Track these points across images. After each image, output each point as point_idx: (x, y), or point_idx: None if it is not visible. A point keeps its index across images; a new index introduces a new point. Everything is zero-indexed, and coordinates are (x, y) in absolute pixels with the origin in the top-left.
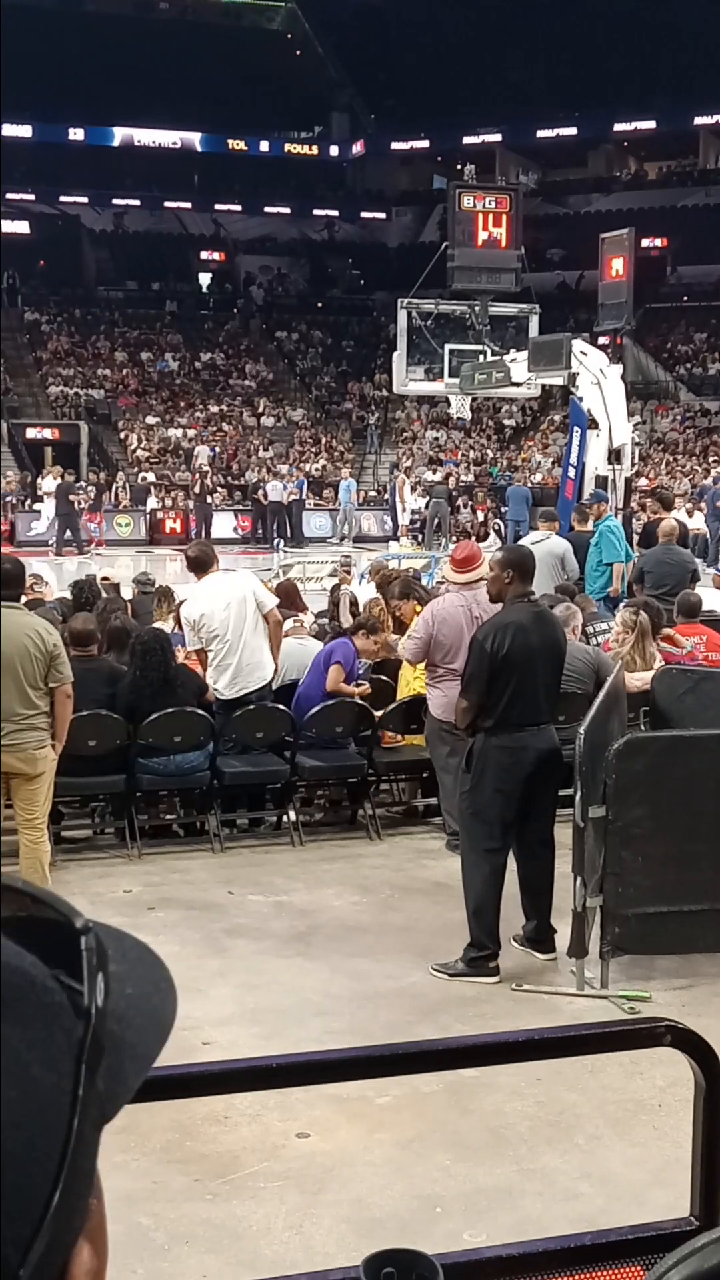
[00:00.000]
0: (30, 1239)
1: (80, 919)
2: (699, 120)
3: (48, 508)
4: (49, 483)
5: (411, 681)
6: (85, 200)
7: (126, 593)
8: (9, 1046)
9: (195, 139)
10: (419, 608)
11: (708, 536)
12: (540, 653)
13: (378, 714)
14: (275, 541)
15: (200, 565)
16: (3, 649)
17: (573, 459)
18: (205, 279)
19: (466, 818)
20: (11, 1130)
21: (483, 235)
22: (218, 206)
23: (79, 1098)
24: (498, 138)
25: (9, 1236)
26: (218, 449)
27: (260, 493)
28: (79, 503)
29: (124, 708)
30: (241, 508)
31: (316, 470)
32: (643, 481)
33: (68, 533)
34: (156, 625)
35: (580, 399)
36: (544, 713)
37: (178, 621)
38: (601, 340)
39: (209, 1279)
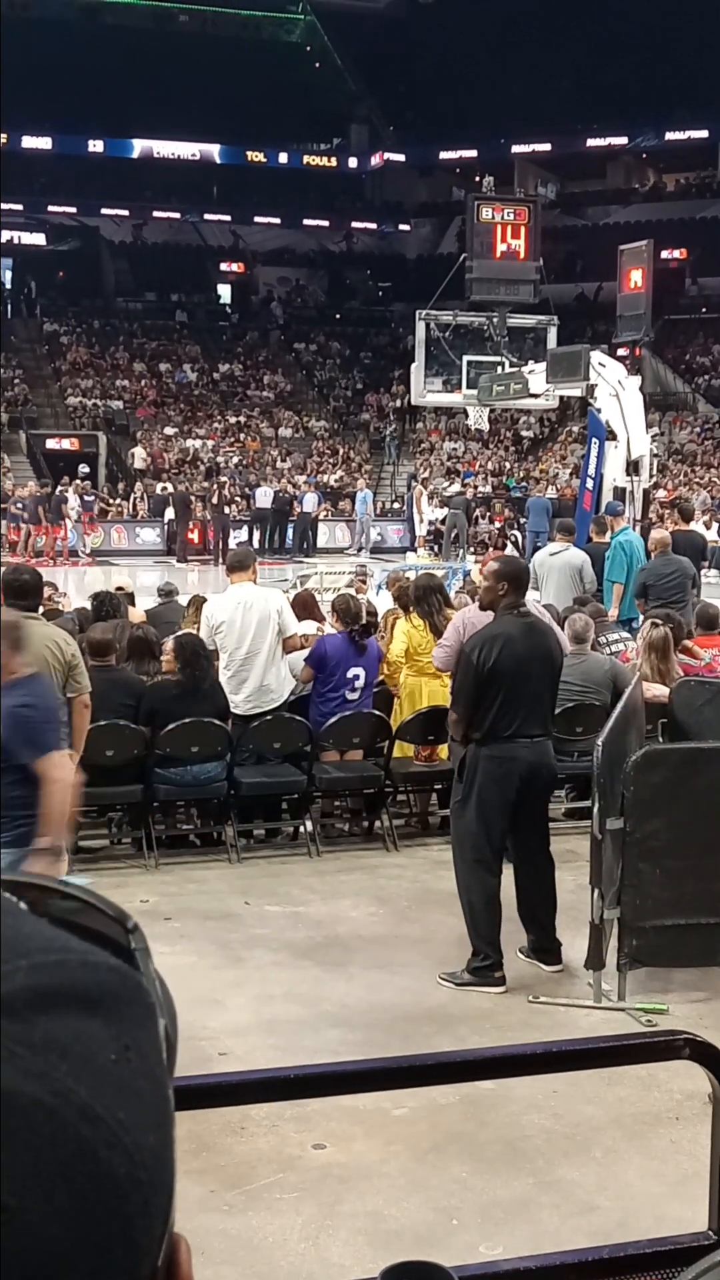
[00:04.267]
0: (162, 1234)
1: (129, 918)
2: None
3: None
4: (71, 495)
5: (408, 681)
6: (105, 212)
7: (146, 603)
8: (141, 1049)
9: (214, 151)
10: (410, 621)
11: None
12: (531, 665)
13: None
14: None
15: (234, 568)
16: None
17: (591, 470)
18: (224, 290)
19: (459, 827)
20: (157, 1131)
21: (501, 247)
22: (236, 218)
23: (171, 1093)
24: (516, 149)
25: (158, 1234)
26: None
27: (267, 502)
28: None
29: (148, 709)
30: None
31: (335, 481)
32: (661, 493)
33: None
34: (188, 631)
35: (598, 410)
36: (537, 725)
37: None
38: (620, 352)
39: None
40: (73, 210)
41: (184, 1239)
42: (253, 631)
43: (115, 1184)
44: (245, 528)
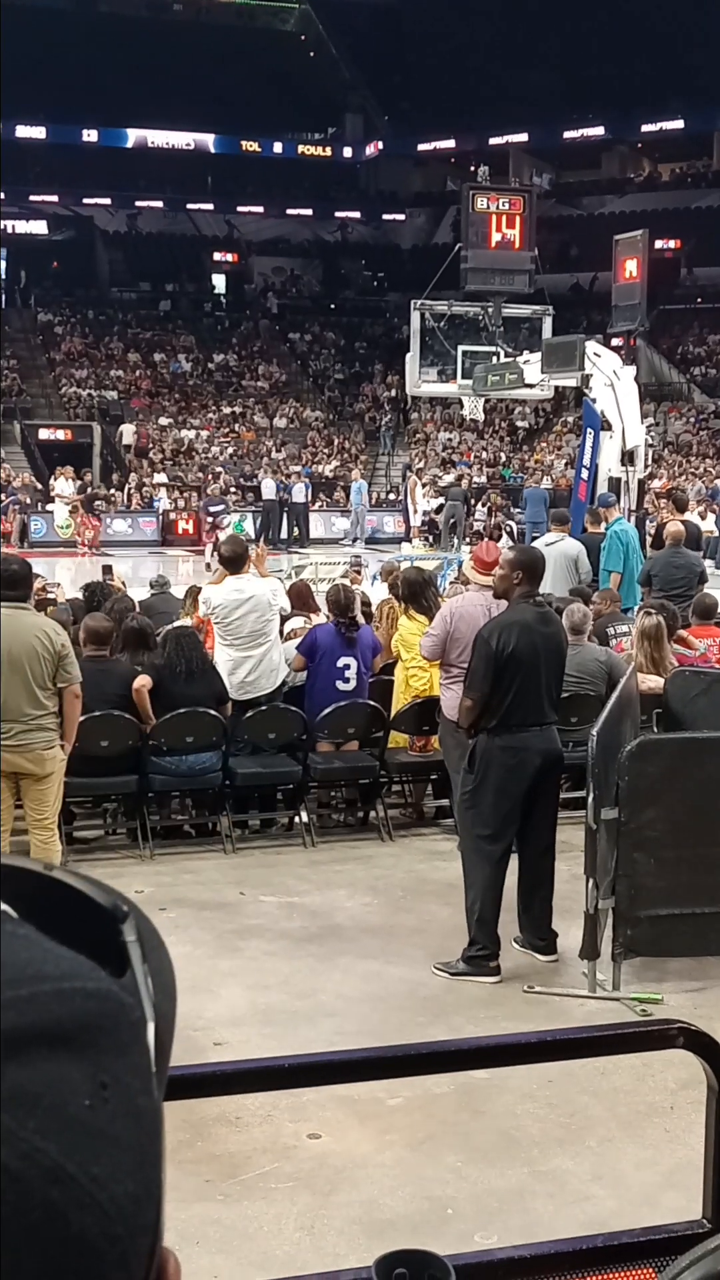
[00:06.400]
0: (146, 1272)
1: (123, 904)
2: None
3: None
4: (62, 484)
5: (409, 681)
6: (99, 201)
7: (139, 594)
8: (121, 1083)
9: (209, 140)
10: (405, 611)
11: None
12: (543, 652)
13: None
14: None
15: (232, 562)
16: (11, 649)
17: (586, 461)
18: (219, 280)
19: (468, 817)
20: (137, 1174)
21: (496, 237)
22: (230, 207)
23: (161, 1111)
24: (512, 139)
25: (140, 1275)
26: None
27: (272, 493)
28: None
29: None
30: (254, 509)
31: (330, 471)
32: (656, 483)
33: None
34: (181, 623)
35: (593, 400)
36: (547, 713)
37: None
38: (615, 342)
39: (220, 1279)
40: (67, 200)
41: (172, 1254)
42: (250, 617)
43: (89, 1247)
44: (250, 518)
